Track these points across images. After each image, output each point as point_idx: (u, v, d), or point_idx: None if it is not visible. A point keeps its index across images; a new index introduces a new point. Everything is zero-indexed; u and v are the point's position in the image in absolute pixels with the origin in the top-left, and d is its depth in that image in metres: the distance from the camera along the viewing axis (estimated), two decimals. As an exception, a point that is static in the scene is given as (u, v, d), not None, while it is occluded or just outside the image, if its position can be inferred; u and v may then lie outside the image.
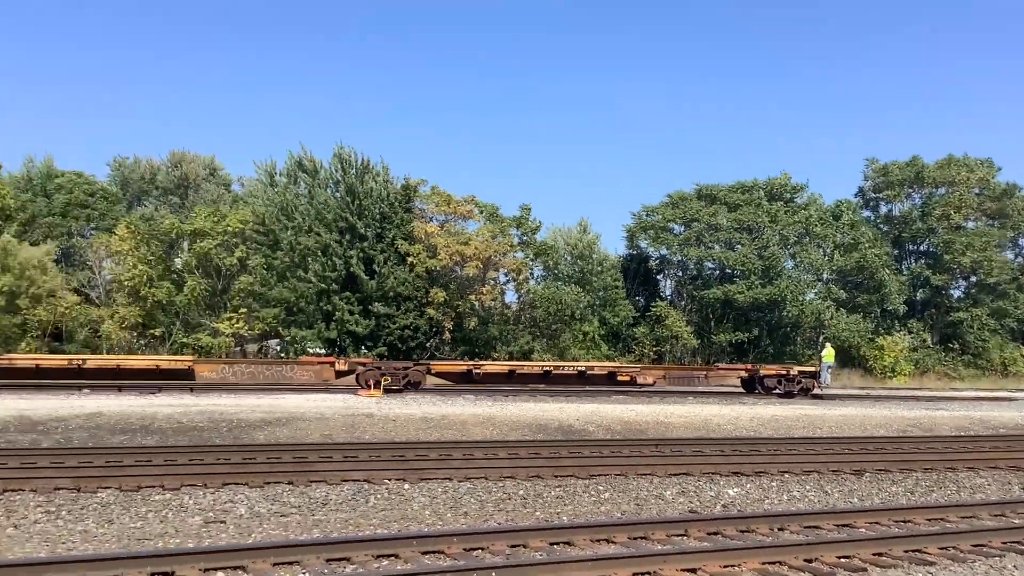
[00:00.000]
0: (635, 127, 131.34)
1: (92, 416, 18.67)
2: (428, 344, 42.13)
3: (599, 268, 48.37)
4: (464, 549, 8.93)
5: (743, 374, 32.99)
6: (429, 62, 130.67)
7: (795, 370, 32.40)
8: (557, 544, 9.35)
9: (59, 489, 11.48)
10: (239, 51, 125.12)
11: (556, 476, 13.70)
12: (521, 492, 12.50)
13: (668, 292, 55.21)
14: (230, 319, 41.16)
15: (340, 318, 39.61)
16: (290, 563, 8.25)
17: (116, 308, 41.52)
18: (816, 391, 32.36)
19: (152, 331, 42.28)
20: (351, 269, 40.12)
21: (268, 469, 12.87)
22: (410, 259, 40.60)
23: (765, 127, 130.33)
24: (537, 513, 11.37)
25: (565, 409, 23.43)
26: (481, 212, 45.51)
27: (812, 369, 33.55)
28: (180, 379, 27.37)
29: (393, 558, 8.62)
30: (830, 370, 35.26)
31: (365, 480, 12.75)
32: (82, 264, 46.55)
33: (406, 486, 12.58)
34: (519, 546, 9.18)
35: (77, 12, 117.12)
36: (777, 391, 31.42)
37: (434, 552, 8.83)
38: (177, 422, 18.61)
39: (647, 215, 53.32)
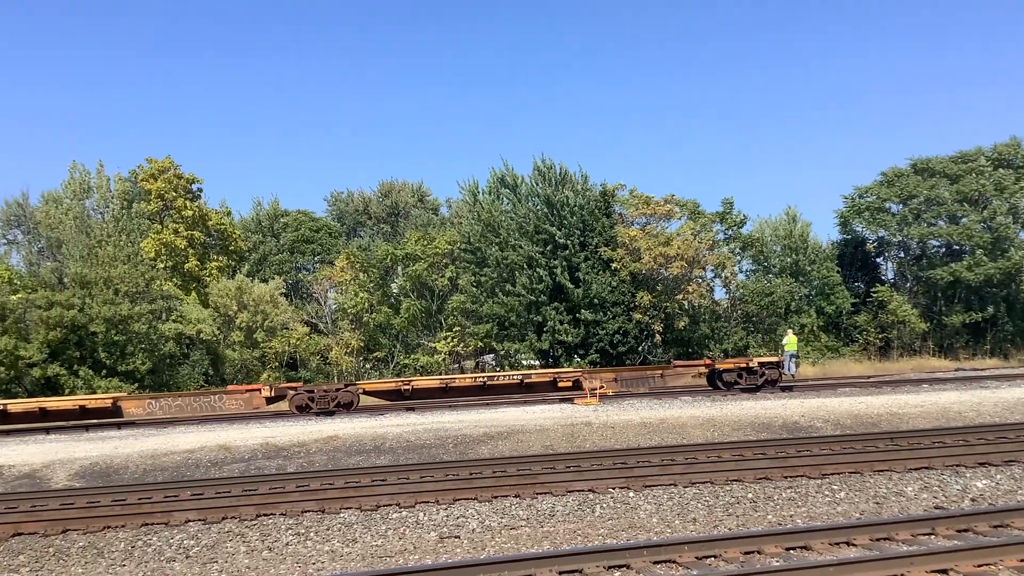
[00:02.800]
0: (836, 107, 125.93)
1: (329, 439, 19.76)
2: (640, 348, 41.85)
3: (813, 258, 46.53)
4: (696, 557, 8.81)
5: (703, 370, 30.00)
6: (624, 66, 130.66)
7: (755, 361, 29.38)
8: (793, 549, 9.05)
9: (306, 512, 12.23)
10: (441, 76, 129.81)
11: (785, 477, 13.29)
12: (750, 495, 12.19)
13: (890, 275, 52.39)
14: (445, 338, 42.62)
15: (551, 328, 40.05)
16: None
17: (341, 335, 43.99)
18: (783, 382, 29.59)
19: (375, 354, 44.51)
20: (556, 279, 40.51)
21: (495, 483, 13.18)
22: (613, 264, 40.56)
23: (977, 96, 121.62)
24: (769, 517, 11.05)
25: (788, 405, 22.67)
26: (682, 210, 44.88)
27: (775, 359, 30.26)
28: (106, 417, 26.72)
29: (624, 568, 8.61)
30: (794, 359, 32.42)
31: (590, 490, 12.83)
32: (308, 296, 49.69)
33: (631, 494, 12.54)
34: (753, 552, 8.96)
35: (282, 65, 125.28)
36: (739, 386, 28.57)
37: (665, 561, 8.75)
38: (406, 441, 19.40)
39: (860, 196, 50.82)
